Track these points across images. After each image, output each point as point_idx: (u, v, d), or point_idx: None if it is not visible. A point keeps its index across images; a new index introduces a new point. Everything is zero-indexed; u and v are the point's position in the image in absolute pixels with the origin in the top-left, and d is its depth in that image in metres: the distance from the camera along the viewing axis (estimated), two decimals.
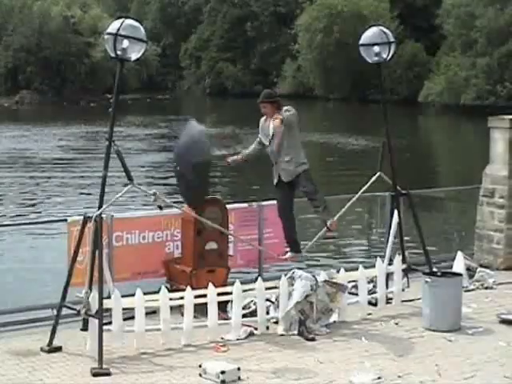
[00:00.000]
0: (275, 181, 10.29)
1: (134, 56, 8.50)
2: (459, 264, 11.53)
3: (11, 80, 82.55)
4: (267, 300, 9.59)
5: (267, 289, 9.46)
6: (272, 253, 10.80)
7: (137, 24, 8.54)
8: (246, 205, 11.33)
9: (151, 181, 27.83)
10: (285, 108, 10.03)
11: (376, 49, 10.17)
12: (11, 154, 36.64)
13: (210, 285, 9.13)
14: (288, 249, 10.61)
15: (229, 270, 10.32)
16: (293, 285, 9.44)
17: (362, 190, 10.86)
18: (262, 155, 10.45)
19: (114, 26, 8.40)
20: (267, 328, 9.39)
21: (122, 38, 8.34)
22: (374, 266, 10.29)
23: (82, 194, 25.38)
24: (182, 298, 9.01)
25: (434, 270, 10.24)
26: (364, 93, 69.10)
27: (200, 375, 7.94)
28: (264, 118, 10.28)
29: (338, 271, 10.09)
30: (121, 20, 8.47)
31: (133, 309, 8.72)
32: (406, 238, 10.79)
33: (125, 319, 8.68)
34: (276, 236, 11.01)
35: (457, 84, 63.16)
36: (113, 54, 8.42)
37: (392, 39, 10.27)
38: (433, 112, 64.41)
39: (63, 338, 8.85)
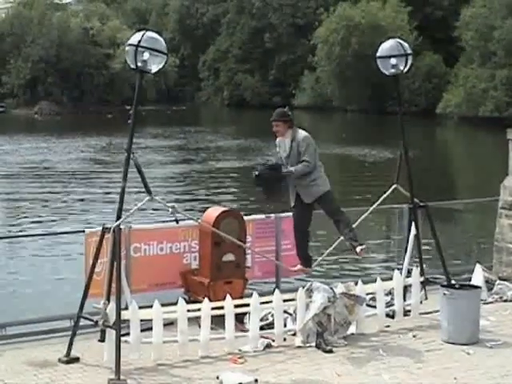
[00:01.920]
0: (292, 203, 10.26)
1: (154, 68, 8.51)
2: (478, 276, 11.47)
3: (30, 91, 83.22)
4: (285, 312, 9.58)
5: (285, 301, 9.44)
6: (285, 265, 10.77)
7: (158, 36, 8.55)
8: (263, 216, 11.32)
9: (170, 192, 27.86)
10: (302, 136, 9.99)
11: (393, 61, 10.17)
12: (31, 165, 36.80)
13: (228, 296, 9.13)
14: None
15: (246, 281, 10.32)
16: (310, 297, 9.43)
17: (377, 203, 10.85)
18: None
19: (135, 38, 8.42)
20: (285, 340, 9.38)
21: (143, 50, 8.36)
22: (391, 279, 10.27)
23: (101, 205, 25.43)
24: (199, 309, 9.01)
25: (452, 282, 10.19)
26: (382, 104, 69.11)
27: None
28: (280, 138, 10.18)
29: (355, 283, 10.07)
30: (142, 32, 8.50)
31: (150, 320, 8.73)
32: (423, 251, 10.74)
33: (142, 330, 8.69)
34: (293, 248, 10.98)
35: (475, 96, 63.08)
36: (133, 66, 8.43)
37: (409, 51, 10.27)
38: (451, 124, 64.31)
39: (81, 349, 8.87)
